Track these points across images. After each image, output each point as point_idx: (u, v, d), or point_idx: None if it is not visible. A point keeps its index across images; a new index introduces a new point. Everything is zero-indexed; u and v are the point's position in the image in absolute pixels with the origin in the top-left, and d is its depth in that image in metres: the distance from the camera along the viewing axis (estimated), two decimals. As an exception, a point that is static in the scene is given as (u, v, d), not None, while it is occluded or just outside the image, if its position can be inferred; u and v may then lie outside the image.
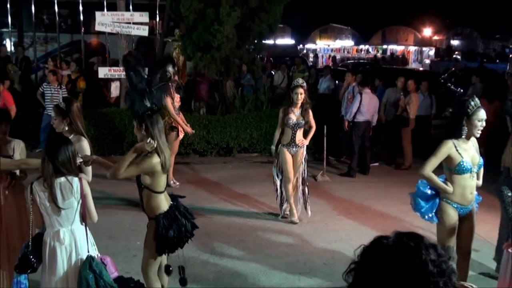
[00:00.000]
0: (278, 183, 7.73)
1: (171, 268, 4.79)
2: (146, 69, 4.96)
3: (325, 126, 9.69)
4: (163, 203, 4.58)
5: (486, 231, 6.88)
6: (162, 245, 4.56)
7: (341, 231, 7.36)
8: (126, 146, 10.69)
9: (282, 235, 7.13)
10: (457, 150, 4.83)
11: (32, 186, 4.05)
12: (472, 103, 4.82)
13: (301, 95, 7.38)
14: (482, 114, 4.82)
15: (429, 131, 11.85)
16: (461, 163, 4.81)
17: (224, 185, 9.47)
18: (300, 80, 7.66)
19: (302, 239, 7.03)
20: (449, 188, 4.90)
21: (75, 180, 4.10)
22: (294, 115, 7.45)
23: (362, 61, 33.12)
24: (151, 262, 4.65)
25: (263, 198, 8.47)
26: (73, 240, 4.10)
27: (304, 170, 7.73)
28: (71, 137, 4.70)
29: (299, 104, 7.42)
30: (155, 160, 4.42)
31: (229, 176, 10.10)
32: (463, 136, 4.86)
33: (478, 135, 4.90)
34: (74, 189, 4.06)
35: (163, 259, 4.82)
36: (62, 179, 4.04)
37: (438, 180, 4.94)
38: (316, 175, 10.08)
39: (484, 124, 4.85)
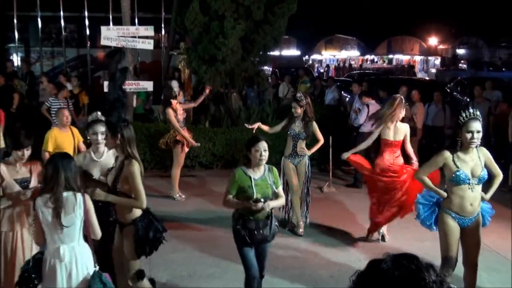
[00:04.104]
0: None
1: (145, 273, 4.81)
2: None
3: (330, 137, 9.67)
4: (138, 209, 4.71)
5: (492, 241, 6.82)
6: (143, 247, 4.63)
7: (348, 242, 7.32)
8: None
9: (287, 248, 7.08)
10: (453, 161, 4.81)
11: (35, 201, 4.05)
12: (464, 114, 4.77)
13: (295, 109, 7.48)
14: (473, 125, 4.71)
15: (442, 142, 11.78)
16: (457, 173, 4.79)
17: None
18: (299, 94, 7.66)
19: (308, 251, 6.99)
20: (443, 193, 5.02)
21: (79, 195, 4.11)
22: (296, 126, 7.52)
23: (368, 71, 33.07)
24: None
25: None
26: (74, 257, 4.05)
27: (308, 180, 7.74)
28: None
29: (300, 117, 7.47)
30: (137, 165, 4.60)
31: (235, 188, 10.04)
32: (458, 148, 4.83)
33: (473, 146, 4.80)
34: (77, 204, 4.06)
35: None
36: (69, 193, 4.06)
37: (431, 184, 5.14)
38: (322, 187, 10.06)
39: (476, 135, 4.72)
